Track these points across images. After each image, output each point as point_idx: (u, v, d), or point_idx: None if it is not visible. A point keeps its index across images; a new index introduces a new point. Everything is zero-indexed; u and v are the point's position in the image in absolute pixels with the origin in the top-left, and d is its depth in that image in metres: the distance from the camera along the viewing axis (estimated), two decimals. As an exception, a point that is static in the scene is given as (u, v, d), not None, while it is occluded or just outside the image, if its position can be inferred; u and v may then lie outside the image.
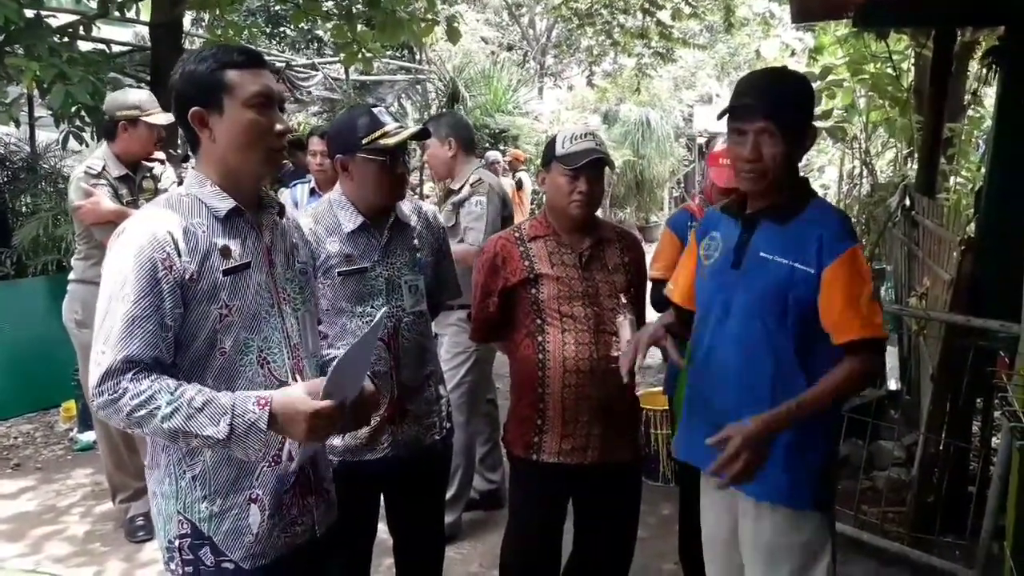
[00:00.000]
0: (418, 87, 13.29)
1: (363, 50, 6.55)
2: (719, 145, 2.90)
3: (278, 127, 1.70)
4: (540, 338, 2.44)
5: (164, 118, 3.61)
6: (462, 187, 3.63)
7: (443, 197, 3.90)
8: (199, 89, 1.65)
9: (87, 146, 5.38)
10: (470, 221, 3.52)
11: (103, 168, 3.60)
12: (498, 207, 3.59)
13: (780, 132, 1.88)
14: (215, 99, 1.65)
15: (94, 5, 5.39)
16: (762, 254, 1.96)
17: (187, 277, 1.60)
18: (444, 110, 13.06)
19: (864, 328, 1.87)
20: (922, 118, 5.91)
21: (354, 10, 6.80)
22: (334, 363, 1.65)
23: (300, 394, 1.60)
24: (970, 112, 7.32)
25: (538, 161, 3.53)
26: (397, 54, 12.97)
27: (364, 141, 2.25)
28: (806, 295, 1.90)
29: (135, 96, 3.71)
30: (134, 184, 3.69)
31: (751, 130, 1.90)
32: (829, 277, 1.88)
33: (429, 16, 6.87)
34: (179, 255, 1.59)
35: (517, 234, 2.53)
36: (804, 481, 1.97)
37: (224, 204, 1.69)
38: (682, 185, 19.31)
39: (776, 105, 1.89)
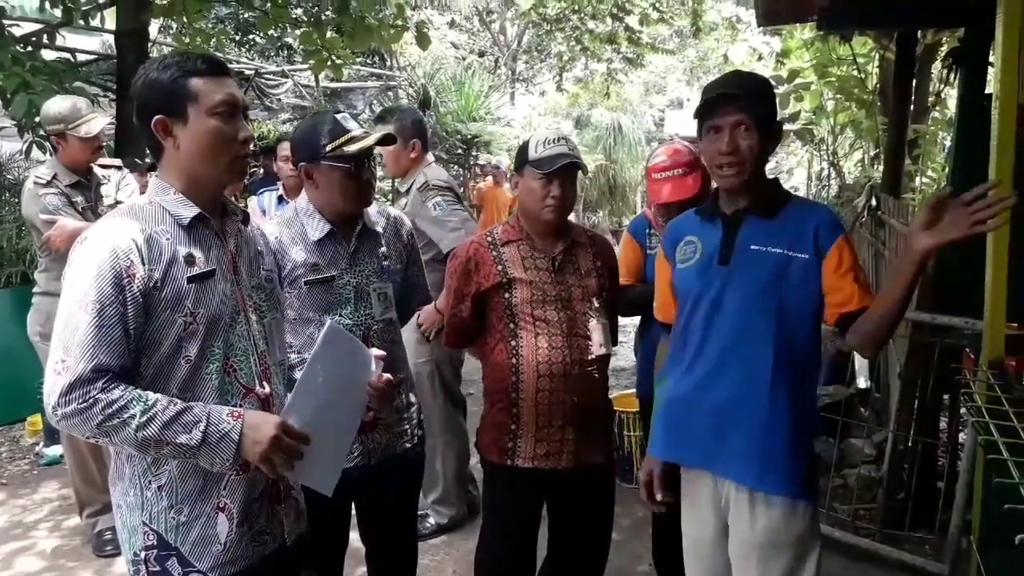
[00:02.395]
0: (389, 93, 13.26)
1: (333, 57, 6.54)
2: (656, 158, 2.90)
3: (242, 135, 1.70)
4: (513, 343, 2.44)
5: (89, 129, 3.52)
6: (409, 189, 3.49)
7: (394, 196, 3.77)
8: (162, 97, 1.63)
9: (51, 156, 5.32)
10: (440, 220, 3.36)
11: (53, 177, 3.54)
12: (453, 200, 3.46)
13: (755, 125, 1.93)
14: (179, 107, 1.63)
15: (58, 14, 5.33)
16: (753, 247, 2.00)
17: (151, 285, 1.58)
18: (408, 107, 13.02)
19: (865, 299, 1.94)
20: (887, 119, 6.00)
21: (323, 17, 6.78)
22: (295, 386, 1.66)
23: (269, 417, 1.63)
24: (934, 113, 7.45)
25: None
26: (368, 61, 12.95)
27: (328, 148, 2.22)
28: (803, 281, 1.95)
29: (58, 109, 3.56)
30: (89, 190, 3.63)
31: (727, 124, 1.94)
32: (835, 257, 1.94)
33: (398, 22, 6.87)
34: (142, 263, 1.58)
35: (490, 238, 2.53)
36: (800, 469, 1.99)
37: (188, 212, 1.67)
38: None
39: (750, 98, 1.94)
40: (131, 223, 1.62)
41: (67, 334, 1.53)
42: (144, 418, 1.51)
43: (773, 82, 2.47)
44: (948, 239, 1.72)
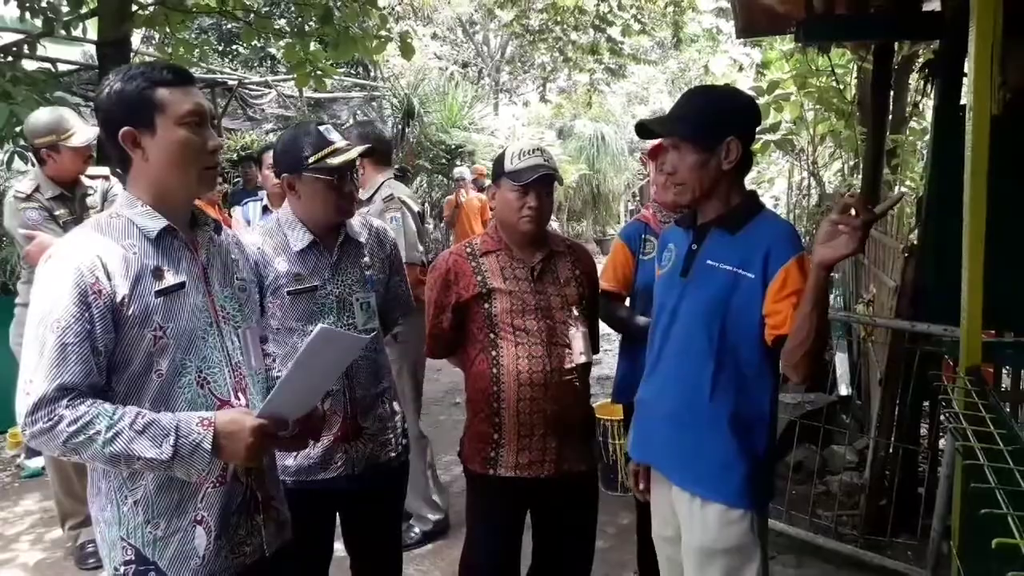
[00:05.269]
0: (373, 104, 13.27)
1: (316, 68, 6.53)
2: None
3: (211, 144, 1.69)
4: (494, 352, 2.45)
5: (84, 137, 3.52)
6: (371, 198, 3.58)
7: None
8: (130, 108, 1.62)
9: (33, 165, 5.28)
10: None
11: (35, 190, 3.51)
12: (413, 219, 3.59)
13: (687, 143, 1.99)
14: (147, 118, 1.62)
15: (39, 24, 5.30)
16: (709, 262, 2.04)
17: (117, 301, 1.56)
18: (400, 127, 13.07)
19: None
20: (866, 130, 6.06)
21: (307, 28, 6.78)
22: (276, 384, 1.64)
23: (240, 413, 1.62)
24: (912, 123, 7.53)
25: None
26: (352, 71, 12.96)
27: (311, 160, 2.23)
28: (746, 301, 1.97)
29: (48, 120, 3.54)
30: (73, 202, 3.61)
31: (666, 147, 2.06)
32: (780, 279, 1.93)
33: (382, 33, 6.88)
34: (108, 279, 1.56)
35: (469, 249, 2.54)
36: (735, 479, 2.01)
37: (156, 224, 1.66)
38: (637, 198, 19.55)
39: (676, 120, 2.04)
40: (97, 238, 1.60)
41: (33, 354, 1.52)
42: (110, 433, 1.49)
43: (753, 93, 2.51)
44: (842, 254, 1.73)
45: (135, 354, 1.60)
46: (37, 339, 1.52)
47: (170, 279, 1.65)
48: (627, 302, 3.04)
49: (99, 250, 1.58)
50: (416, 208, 3.75)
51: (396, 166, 4.68)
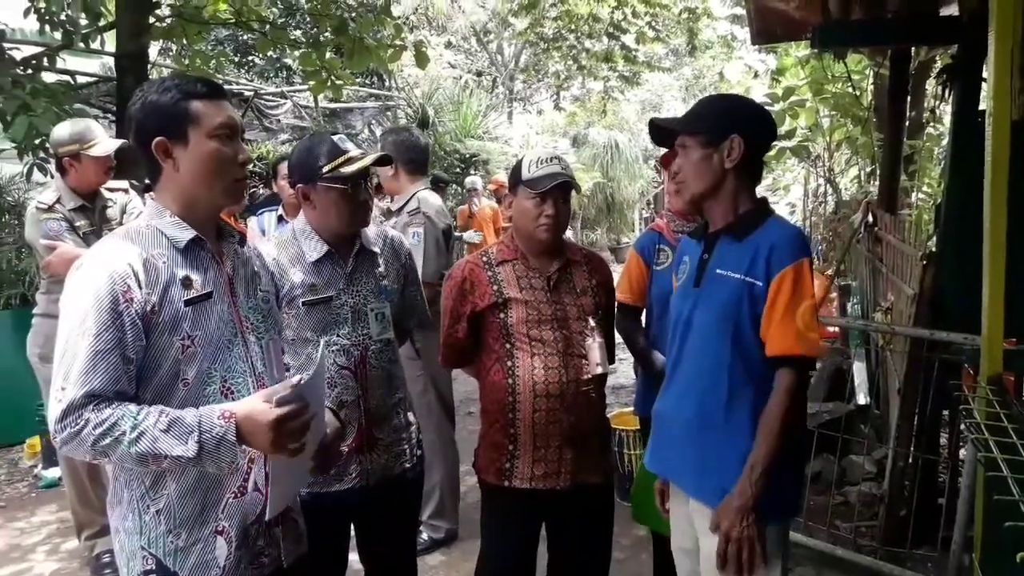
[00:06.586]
0: (388, 113, 13.34)
1: (332, 78, 6.57)
2: None
3: (241, 157, 1.72)
4: (509, 363, 2.43)
5: (106, 147, 3.55)
6: (401, 209, 3.62)
7: (385, 215, 3.84)
8: (163, 119, 1.65)
9: (52, 177, 5.33)
10: None
11: (56, 201, 3.55)
12: (435, 236, 3.57)
13: (693, 139, 2.01)
14: (180, 129, 1.65)
15: (58, 37, 5.37)
16: (718, 271, 2.04)
17: (148, 309, 1.58)
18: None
19: (798, 343, 1.92)
20: (883, 136, 6.03)
21: (322, 38, 6.83)
22: (299, 382, 1.63)
23: (259, 404, 1.59)
24: (929, 129, 7.48)
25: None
26: (366, 81, 13.03)
27: (325, 170, 2.24)
28: (757, 308, 1.96)
29: (72, 130, 3.58)
30: (93, 213, 3.64)
31: (677, 150, 2.08)
32: (774, 287, 1.93)
33: (396, 42, 6.91)
34: (139, 287, 1.58)
35: (485, 258, 2.53)
36: None
37: (184, 234, 1.68)
38: (652, 206, 19.52)
39: (687, 119, 2.08)
40: (128, 247, 1.62)
41: (66, 361, 1.54)
42: (135, 433, 1.50)
43: (768, 100, 2.52)
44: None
45: (163, 361, 1.61)
46: (70, 347, 1.54)
47: (199, 288, 1.67)
48: (644, 314, 3.03)
49: (130, 258, 1.60)
50: (443, 225, 3.69)
51: (430, 175, 4.71)
